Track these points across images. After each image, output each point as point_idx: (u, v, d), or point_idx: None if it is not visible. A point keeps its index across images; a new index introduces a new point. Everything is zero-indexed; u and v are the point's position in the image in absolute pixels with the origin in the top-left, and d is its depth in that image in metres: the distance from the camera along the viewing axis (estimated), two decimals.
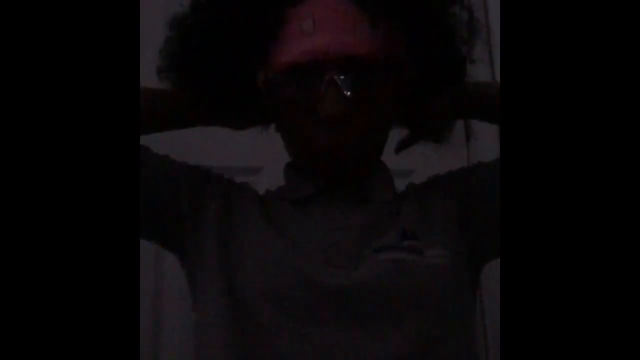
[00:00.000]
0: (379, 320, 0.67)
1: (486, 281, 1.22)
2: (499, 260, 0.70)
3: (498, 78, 1.25)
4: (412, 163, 1.28)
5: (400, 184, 0.97)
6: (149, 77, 0.78)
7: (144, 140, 0.75)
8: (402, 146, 0.86)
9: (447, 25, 0.75)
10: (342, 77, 0.69)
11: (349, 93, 0.69)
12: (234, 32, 0.73)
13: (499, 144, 0.63)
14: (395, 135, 0.86)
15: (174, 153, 1.20)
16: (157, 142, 0.88)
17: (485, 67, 1.32)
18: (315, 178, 0.78)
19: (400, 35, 0.72)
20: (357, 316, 0.67)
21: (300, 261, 0.70)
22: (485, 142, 1.30)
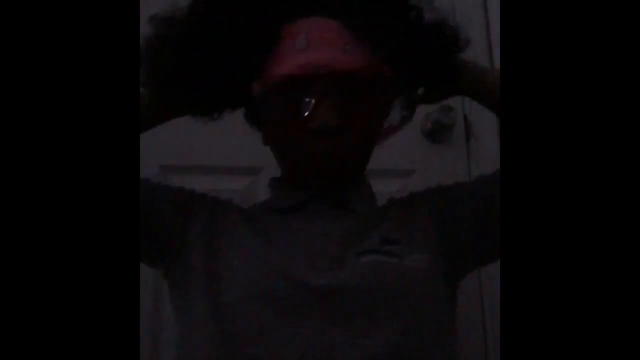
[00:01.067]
0: (362, 318, 0.69)
1: (486, 281, 1.22)
2: (499, 260, 0.70)
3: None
4: (412, 163, 1.28)
5: (400, 184, 0.97)
6: None
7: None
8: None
9: (434, 38, 0.77)
10: (333, 89, 0.72)
11: (340, 105, 0.72)
12: (230, 44, 0.75)
13: (499, 145, 0.63)
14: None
15: (174, 153, 1.21)
16: (157, 143, 0.88)
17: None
18: (301, 188, 0.80)
19: (390, 53, 0.75)
20: (341, 315, 0.69)
21: (286, 264, 0.72)
22: (485, 142, 1.31)
